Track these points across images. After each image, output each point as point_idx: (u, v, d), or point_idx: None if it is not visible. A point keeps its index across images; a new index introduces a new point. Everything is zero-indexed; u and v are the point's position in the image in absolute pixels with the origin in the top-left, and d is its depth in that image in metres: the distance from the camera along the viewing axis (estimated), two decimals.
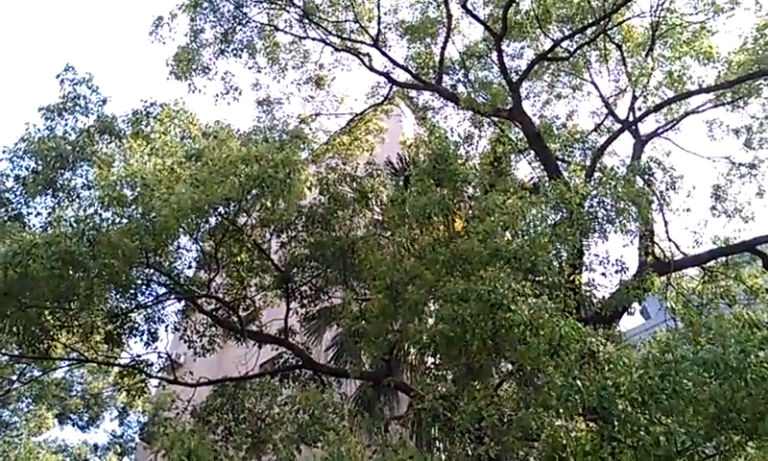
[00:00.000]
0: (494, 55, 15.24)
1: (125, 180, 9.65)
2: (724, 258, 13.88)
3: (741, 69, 14.64)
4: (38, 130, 12.82)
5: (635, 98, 15.39)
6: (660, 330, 11.37)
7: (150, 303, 13.09)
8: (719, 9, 15.15)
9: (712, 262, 13.92)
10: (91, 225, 9.48)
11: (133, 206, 9.63)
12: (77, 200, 12.56)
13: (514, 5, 14.46)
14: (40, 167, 12.50)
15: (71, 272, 9.43)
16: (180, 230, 10.31)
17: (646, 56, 15.50)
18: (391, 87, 16.80)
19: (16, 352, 13.92)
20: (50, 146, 12.18)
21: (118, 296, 12.27)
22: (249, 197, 10.06)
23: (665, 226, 14.89)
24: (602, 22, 14.43)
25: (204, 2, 14.52)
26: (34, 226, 12.74)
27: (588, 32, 15.09)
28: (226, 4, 14.82)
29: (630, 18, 15.66)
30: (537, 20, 15.08)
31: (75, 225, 9.53)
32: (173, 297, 13.36)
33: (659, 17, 15.00)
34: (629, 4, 14.75)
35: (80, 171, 12.52)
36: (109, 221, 9.76)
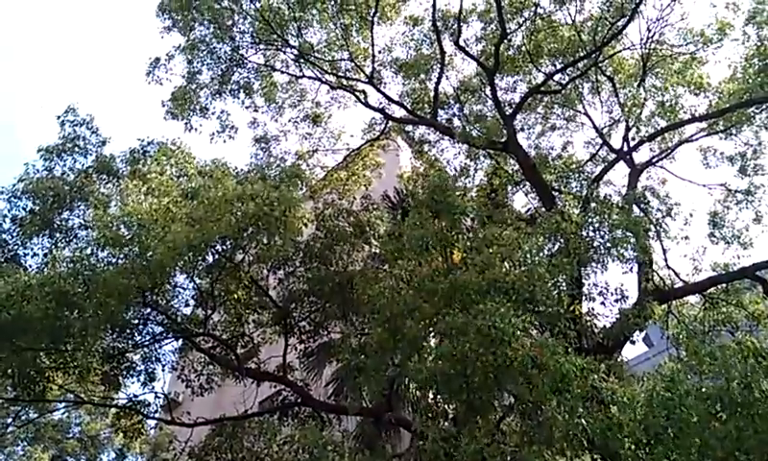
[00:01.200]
0: (488, 89, 15.44)
1: (121, 220, 9.65)
2: (724, 285, 13.85)
3: (732, 98, 14.82)
4: (37, 170, 12.91)
5: (628, 128, 15.54)
6: (663, 360, 11.26)
7: (147, 343, 12.95)
8: (708, 40, 15.42)
9: (713, 289, 13.87)
10: (87, 265, 9.45)
11: (130, 246, 9.60)
12: (74, 240, 12.55)
13: (505, 41, 14.70)
14: (38, 208, 12.55)
15: (66, 312, 9.36)
16: (177, 268, 10.27)
17: (638, 87, 15.70)
18: (387, 123, 16.98)
19: (11, 395, 13.71)
20: (48, 186, 12.23)
21: (114, 336, 12.16)
22: (245, 234, 10.07)
23: (664, 254, 14.91)
24: (593, 55, 14.66)
25: (201, 45, 14.73)
26: (30, 266, 12.69)
27: (580, 65, 15.32)
28: (222, 46, 15.05)
29: (620, 51, 15.92)
30: (528, 55, 15.34)
31: (71, 265, 9.49)
32: (170, 336, 13.24)
33: (649, 49, 15.25)
34: (619, 37, 15.01)
35: (77, 211, 12.55)
36: (105, 261, 9.73)
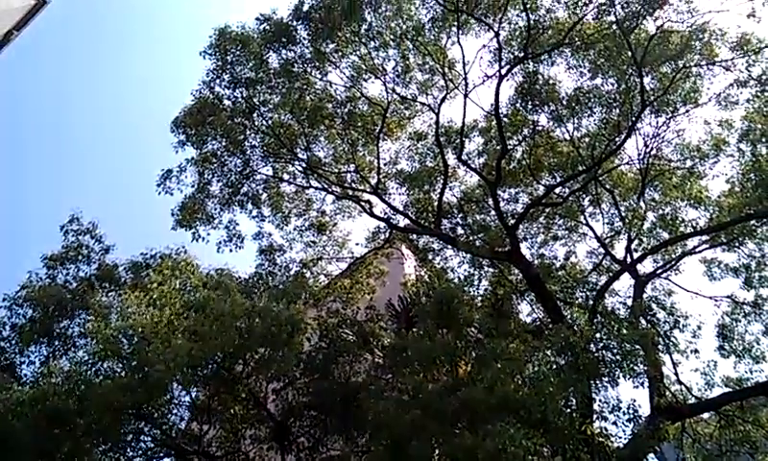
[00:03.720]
0: (490, 200, 15.73)
1: (121, 332, 9.50)
2: (739, 402, 13.41)
3: (732, 212, 15.02)
4: (40, 278, 12.95)
5: (630, 240, 15.66)
6: None
7: (138, 460, 12.33)
8: (704, 155, 15.89)
9: (727, 406, 13.42)
10: (83, 379, 9.20)
11: (129, 359, 9.40)
12: (72, 349, 12.35)
13: (506, 156, 15.15)
14: (38, 315, 12.47)
15: (57, 430, 8.99)
16: (175, 381, 9.98)
17: (638, 199, 15.97)
18: (391, 232, 17.15)
19: None
20: (50, 294, 12.20)
21: (105, 451, 11.60)
22: (248, 349, 9.88)
23: (674, 367, 14.59)
24: (592, 170, 15.05)
25: (213, 158, 15.23)
26: (25, 376, 12.43)
27: (580, 179, 15.69)
28: (234, 159, 15.53)
29: (619, 166, 16.35)
30: (529, 169, 15.77)
31: (66, 380, 9.24)
32: (162, 453, 12.63)
33: (647, 164, 15.66)
34: (617, 152, 15.48)
35: (78, 319, 12.43)
36: (102, 375, 9.48)
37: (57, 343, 12.64)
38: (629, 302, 15.57)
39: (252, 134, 15.60)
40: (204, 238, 15.12)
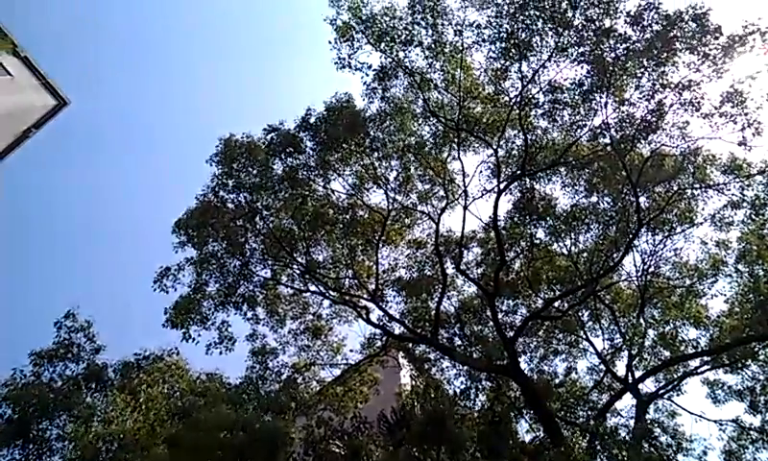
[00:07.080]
0: (488, 311, 15.57)
1: (101, 438, 9.08)
2: None
3: (732, 333, 14.84)
4: (24, 375, 12.55)
5: (631, 357, 15.39)
6: None
7: None
8: (702, 274, 15.94)
9: None
10: None
11: None
12: (47, 453, 11.74)
13: (505, 267, 15.19)
14: (17, 416, 11.95)
15: None
16: None
17: (638, 317, 15.83)
18: (387, 339, 16.84)
19: None
20: (32, 394, 11.77)
21: None
22: None
23: None
24: (591, 285, 15.01)
25: (212, 259, 15.25)
26: None
27: (579, 293, 15.63)
28: (233, 261, 15.55)
29: (617, 282, 16.36)
30: (527, 281, 15.76)
31: None
32: None
33: (645, 281, 15.68)
34: (615, 268, 15.52)
35: (58, 421, 11.91)
36: None
37: (32, 446, 12.04)
38: (631, 422, 15.04)
39: (253, 237, 15.70)
40: (194, 339, 14.71)
